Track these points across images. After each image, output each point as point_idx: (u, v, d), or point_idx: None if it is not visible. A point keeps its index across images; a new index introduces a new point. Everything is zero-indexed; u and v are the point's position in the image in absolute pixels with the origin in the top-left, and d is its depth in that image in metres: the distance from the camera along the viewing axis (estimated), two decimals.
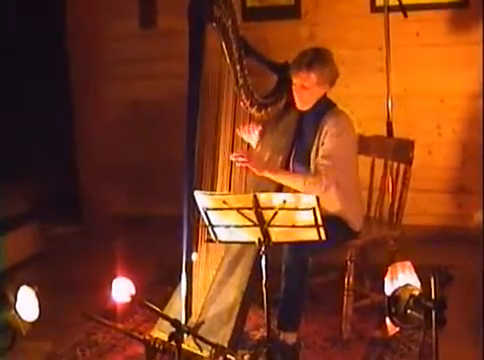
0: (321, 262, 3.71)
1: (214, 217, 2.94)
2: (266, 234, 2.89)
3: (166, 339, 2.85)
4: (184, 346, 2.93)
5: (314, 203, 2.77)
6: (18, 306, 3.54)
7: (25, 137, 5.63)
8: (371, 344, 3.67)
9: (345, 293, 3.70)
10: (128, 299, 4.07)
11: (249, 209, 2.83)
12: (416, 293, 2.27)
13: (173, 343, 2.73)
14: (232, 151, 3.60)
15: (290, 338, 3.50)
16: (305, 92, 3.55)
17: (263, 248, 2.89)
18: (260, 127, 3.78)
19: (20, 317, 3.56)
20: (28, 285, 3.61)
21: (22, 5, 5.55)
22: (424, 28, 5.05)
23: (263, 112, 3.65)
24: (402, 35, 4.82)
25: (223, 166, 3.55)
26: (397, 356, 3.55)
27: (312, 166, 3.54)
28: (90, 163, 5.90)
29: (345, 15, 5.17)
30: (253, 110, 3.60)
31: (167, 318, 2.80)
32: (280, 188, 3.54)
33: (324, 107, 3.59)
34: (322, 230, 2.85)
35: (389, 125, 4.45)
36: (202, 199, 2.92)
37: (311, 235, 2.87)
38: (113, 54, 5.77)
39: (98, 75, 5.87)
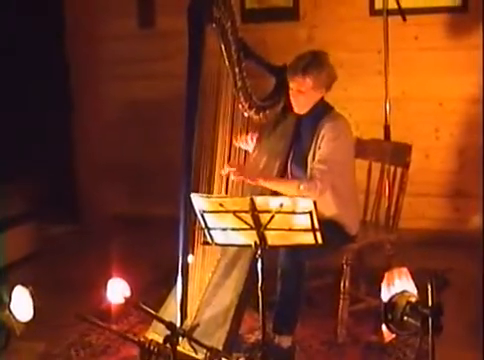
0: (317, 265, 3.70)
1: (210, 220, 2.93)
2: (262, 237, 2.88)
3: (161, 341, 2.84)
4: (179, 348, 2.91)
5: (311, 207, 2.76)
6: (12, 306, 3.53)
7: (24, 137, 5.61)
8: (366, 348, 3.67)
9: (341, 297, 3.70)
10: (123, 300, 4.09)
11: (246, 212, 2.82)
12: (413, 300, 2.26)
13: (168, 346, 2.71)
14: (230, 153, 3.60)
15: (285, 342, 3.49)
16: (301, 96, 3.54)
17: (259, 251, 2.88)
18: (257, 135, 3.78)
19: (14, 317, 3.55)
20: (23, 285, 3.61)
21: (22, 5, 5.53)
22: (423, 32, 5.05)
23: (261, 115, 3.63)
24: (401, 39, 4.82)
25: (220, 168, 3.54)
26: None
27: (308, 170, 3.53)
28: (88, 163, 5.89)
29: (344, 18, 5.17)
30: (251, 113, 3.59)
31: (162, 321, 2.78)
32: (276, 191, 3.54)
33: (321, 111, 3.58)
34: (319, 234, 2.84)
35: (387, 129, 4.45)
36: (199, 202, 2.91)
37: (308, 239, 2.87)
38: (111, 54, 5.76)
39: (97, 75, 5.86)
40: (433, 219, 5.20)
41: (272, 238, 2.88)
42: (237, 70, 3.48)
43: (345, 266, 3.68)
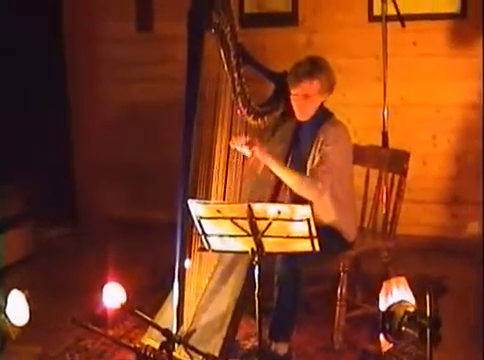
0: (314, 272, 3.70)
1: (207, 226, 2.92)
2: (259, 244, 2.87)
3: (157, 347, 2.83)
4: (175, 354, 2.90)
5: (309, 214, 2.75)
6: (8, 310, 3.52)
7: (22, 138, 5.60)
8: (363, 355, 3.66)
9: (338, 304, 3.69)
10: (119, 305, 4.06)
11: (243, 219, 2.81)
12: (411, 310, 2.25)
13: (164, 352, 2.71)
14: (228, 158, 3.58)
15: (281, 349, 3.49)
16: (306, 102, 3.54)
17: (256, 258, 2.88)
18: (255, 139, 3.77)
19: (10, 321, 3.54)
20: (19, 289, 3.59)
21: (22, 5, 5.52)
22: (421, 38, 5.06)
23: (259, 121, 3.63)
24: (399, 45, 4.81)
25: (218, 174, 3.53)
26: None
27: (308, 172, 3.52)
28: (87, 165, 5.88)
29: (343, 23, 5.17)
30: (250, 118, 3.58)
31: (158, 328, 2.78)
32: (274, 198, 3.53)
33: (322, 117, 3.59)
34: (316, 241, 2.83)
35: (384, 135, 4.42)
36: (196, 208, 2.90)
37: (305, 246, 2.85)
38: (110, 56, 5.76)
39: (95, 77, 5.85)
40: (430, 225, 5.19)
41: (269, 245, 2.87)
42: (236, 75, 3.47)
43: (342, 273, 3.67)
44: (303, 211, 2.76)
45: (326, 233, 3.14)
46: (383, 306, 2.31)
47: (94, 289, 4.14)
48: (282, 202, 3.53)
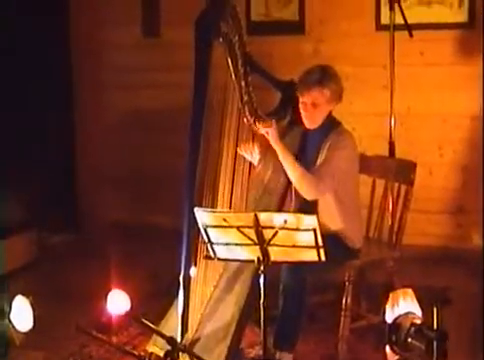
0: (319, 281, 3.68)
1: (214, 234, 2.92)
2: (265, 253, 2.86)
3: (161, 354, 2.83)
4: None
5: (315, 224, 2.75)
6: (12, 316, 3.52)
7: (24, 137, 5.58)
8: None
9: (342, 314, 3.67)
10: (123, 312, 4.06)
11: (249, 227, 2.81)
12: (417, 322, 2.24)
13: None
14: (234, 166, 3.58)
15: (286, 358, 3.47)
16: (315, 110, 3.54)
17: (262, 267, 2.87)
18: (261, 146, 3.77)
19: (14, 327, 3.54)
20: (23, 295, 3.60)
21: (22, 5, 5.52)
22: (428, 48, 5.05)
23: None
24: (406, 54, 4.79)
25: (224, 183, 3.53)
26: None
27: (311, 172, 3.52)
28: (89, 171, 5.88)
29: (350, 32, 5.18)
30: (256, 127, 3.57)
31: (163, 336, 2.77)
32: (281, 207, 3.52)
33: (329, 126, 3.59)
34: (322, 251, 2.83)
35: (391, 145, 4.43)
36: (202, 216, 2.90)
37: (311, 256, 2.85)
38: (115, 60, 5.77)
39: (100, 82, 5.85)
40: (435, 235, 5.18)
41: (275, 254, 2.87)
42: (243, 84, 3.46)
43: (347, 283, 3.66)
44: (309, 221, 2.76)
45: (332, 241, 3.13)
46: (390, 317, 2.30)
47: (98, 295, 4.15)
48: (288, 211, 3.53)
